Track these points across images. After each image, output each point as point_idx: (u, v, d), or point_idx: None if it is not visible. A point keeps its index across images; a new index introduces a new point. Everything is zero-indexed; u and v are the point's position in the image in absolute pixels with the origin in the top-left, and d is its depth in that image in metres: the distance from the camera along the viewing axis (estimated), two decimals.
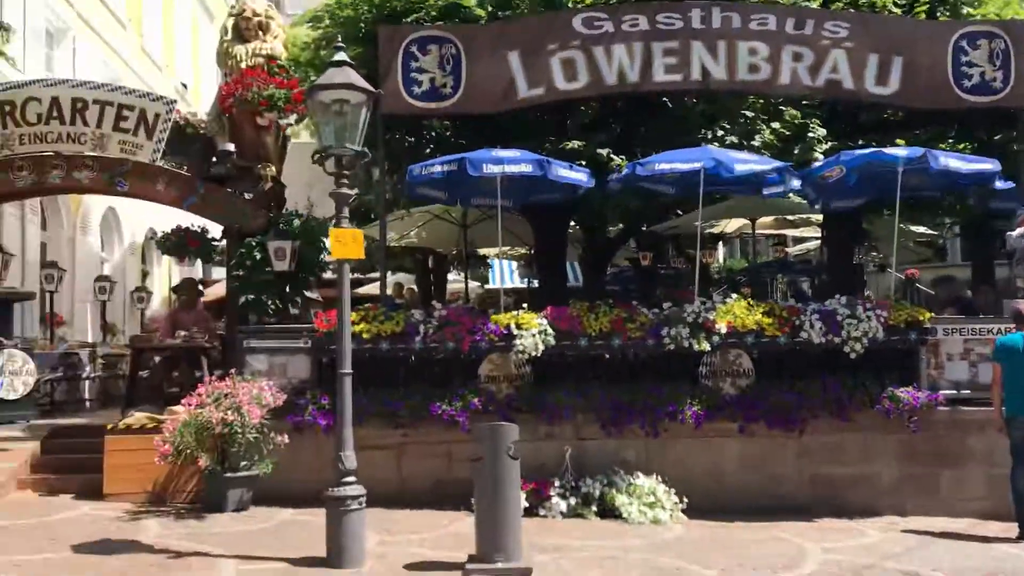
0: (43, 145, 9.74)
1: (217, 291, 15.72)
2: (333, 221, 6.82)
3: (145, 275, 18.79)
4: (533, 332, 8.71)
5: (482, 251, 16.35)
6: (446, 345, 8.80)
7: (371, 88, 6.84)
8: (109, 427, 9.03)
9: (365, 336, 8.68)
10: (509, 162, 8.72)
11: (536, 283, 19.04)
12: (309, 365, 9.07)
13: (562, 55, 9.55)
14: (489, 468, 6.44)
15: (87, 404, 13.18)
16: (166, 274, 20.12)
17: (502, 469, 6.43)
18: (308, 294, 10.02)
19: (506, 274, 22.45)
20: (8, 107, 9.56)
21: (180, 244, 9.86)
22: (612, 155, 10.13)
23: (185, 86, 21.67)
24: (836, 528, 8.19)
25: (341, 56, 6.84)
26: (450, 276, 19.68)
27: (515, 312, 8.96)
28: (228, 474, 8.24)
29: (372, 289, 20.19)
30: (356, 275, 19.20)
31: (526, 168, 8.76)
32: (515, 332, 8.73)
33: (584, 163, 9.78)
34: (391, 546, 7.16)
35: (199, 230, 9.95)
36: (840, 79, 9.73)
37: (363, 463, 6.82)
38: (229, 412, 8.05)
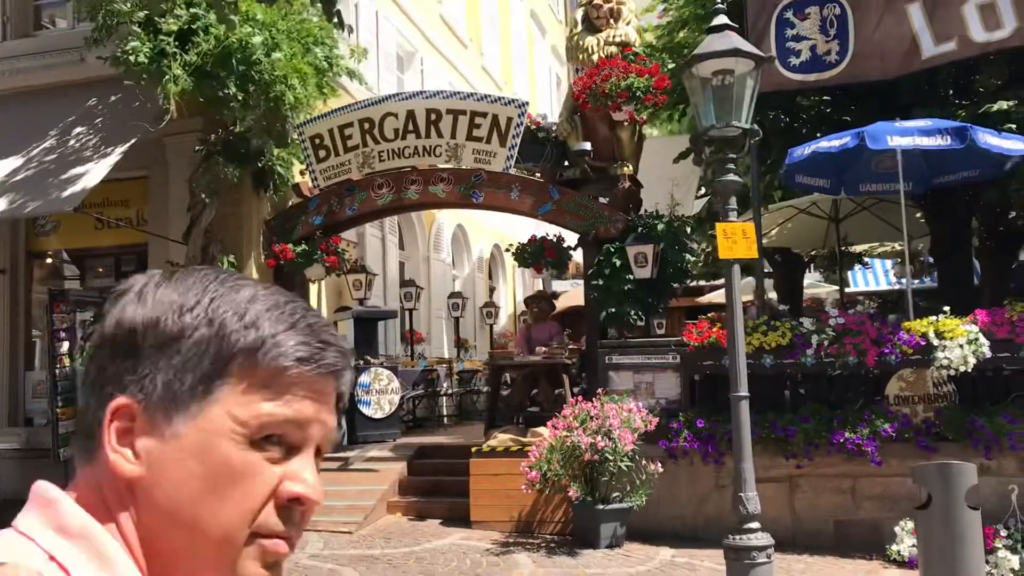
0: (400, 161, 9.61)
1: (563, 303, 15.31)
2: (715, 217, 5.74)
3: (492, 290, 18.96)
4: (960, 342, 7.05)
5: (855, 248, 14.41)
6: (845, 359, 7.39)
7: (760, 53, 5.69)
8: (473, 449, 8.62)
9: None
10: (920, 133, 7.08)
11: (910, 284, 16.73)
12: (678, 383, 8.24)
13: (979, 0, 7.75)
14: (940, 518, 5.02)
15: (445, 420, 13.25)
16: (511, 289, 20.25)
17: (958, 521, 4.99)
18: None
19: (871, 276, 20.14)
20: (367, 124, 9.54)
21: (536, 254, 9.29)
22: None
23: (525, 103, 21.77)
24: None
25: (721, 19, 5.76)
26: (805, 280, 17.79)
27: (933, 318, 7.32)
28: (600, 506, 7.45)
29: (715, 297, 18.81)
30: (699, 282, 18.00)
31: (942, 140, 7.07)
32: (935, 343, 7.14)
33: (1015, 128, 7.87)
34: None
35: (555, 239, 9.32)
36: None
37: None
38: (599, 437, 7.28)
